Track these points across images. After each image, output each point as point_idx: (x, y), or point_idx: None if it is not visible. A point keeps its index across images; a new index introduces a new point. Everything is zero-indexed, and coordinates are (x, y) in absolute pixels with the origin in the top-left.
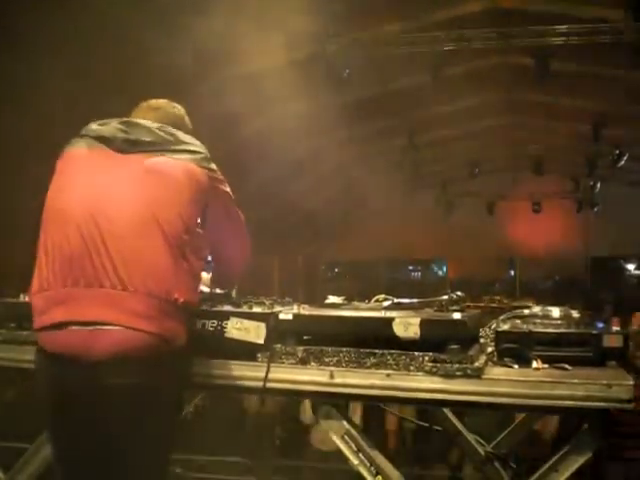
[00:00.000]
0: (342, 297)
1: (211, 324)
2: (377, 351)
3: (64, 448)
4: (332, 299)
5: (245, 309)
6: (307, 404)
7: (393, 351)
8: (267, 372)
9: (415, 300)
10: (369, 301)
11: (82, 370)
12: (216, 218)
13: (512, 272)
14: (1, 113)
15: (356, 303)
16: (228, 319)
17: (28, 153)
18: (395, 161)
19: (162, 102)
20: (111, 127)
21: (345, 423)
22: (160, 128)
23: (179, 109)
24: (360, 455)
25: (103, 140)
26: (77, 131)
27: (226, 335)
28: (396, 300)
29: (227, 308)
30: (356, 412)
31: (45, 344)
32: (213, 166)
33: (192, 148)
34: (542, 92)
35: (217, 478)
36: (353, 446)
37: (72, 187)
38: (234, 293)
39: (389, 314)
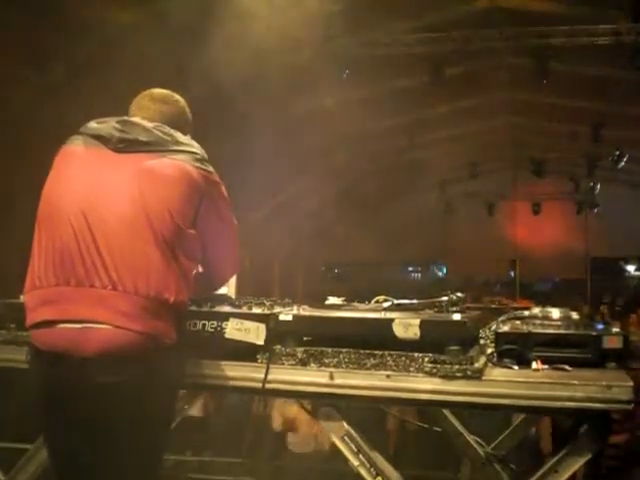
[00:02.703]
0: (342, 298)
1: (211, 325)
2: (377, 352)
3: (55, 445)
4: (332, 300)
5: (245, 310)
6: (276, 413)
7: (393, 352)
8: (266, 373)
9: (415, 301)
10: (369, 302)
11: (71, 367)
12: (208, 219)
13: (512, 273)
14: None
15: (356, 304)
16: (228, 320)
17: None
18: (395, 161)
19: (164, 93)
20: (108, 126)
21: (345, 424)
22: (157, 127)
23: (181, 101)
24: (360, 456)
25: (100, 139)
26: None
27: (226, 336)
28: (396, 301)
29: (227, 309)
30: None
31: (36, 341)
32: (209, 167)
33: (188, 149)
34: (542, 93)
35: (217, 478)
36: (353, 447)
37: (66, 185)
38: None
39: (389, 315)
